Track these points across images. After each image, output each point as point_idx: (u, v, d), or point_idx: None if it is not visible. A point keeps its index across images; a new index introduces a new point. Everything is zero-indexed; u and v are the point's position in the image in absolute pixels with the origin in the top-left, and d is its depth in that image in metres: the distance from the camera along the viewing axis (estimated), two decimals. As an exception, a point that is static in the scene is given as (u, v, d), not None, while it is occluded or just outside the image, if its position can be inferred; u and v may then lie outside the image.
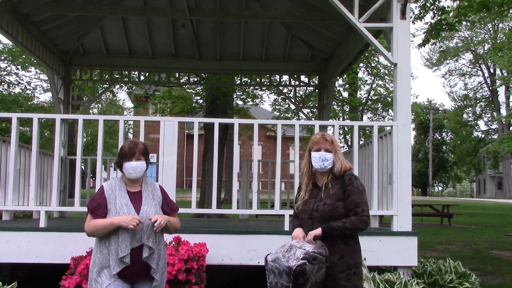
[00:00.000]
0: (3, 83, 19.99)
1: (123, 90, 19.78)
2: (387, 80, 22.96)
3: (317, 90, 10.08)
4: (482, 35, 41.34)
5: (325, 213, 3.13)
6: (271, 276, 2.99)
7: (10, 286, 4.50)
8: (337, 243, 3.09)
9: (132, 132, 33.13)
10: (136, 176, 3.22)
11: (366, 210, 3.13)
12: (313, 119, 15.52)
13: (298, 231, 3.20)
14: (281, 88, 11.43)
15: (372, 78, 23.84)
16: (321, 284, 3.00)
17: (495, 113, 44.69)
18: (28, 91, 21.02)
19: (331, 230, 3.06)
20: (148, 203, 3.22)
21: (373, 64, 22.19)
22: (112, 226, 3.07)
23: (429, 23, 10.39)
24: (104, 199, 3.17)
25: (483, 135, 47.20)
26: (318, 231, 3.07)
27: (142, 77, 10.83)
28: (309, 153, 3.28)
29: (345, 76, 18.05)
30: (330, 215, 3.11)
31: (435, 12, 10.16)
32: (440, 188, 70.53)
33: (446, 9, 10.00)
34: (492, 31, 39.72)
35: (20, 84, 20.42)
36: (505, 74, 31.90)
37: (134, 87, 21.11)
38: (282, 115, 20.97)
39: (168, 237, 4.94)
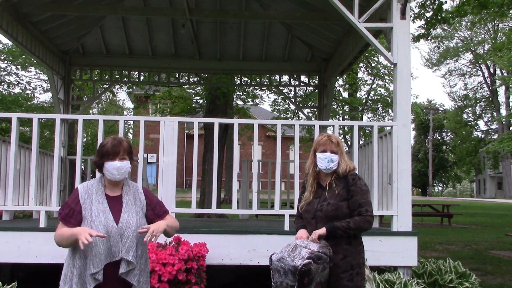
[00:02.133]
0: (3, 83, 19.98)
1: (123, 90, 19.80)
2: (387, 80, 22.95)
3: (317, 90, 10.09)
4: (482, 35, 41.33)
5: (329, 213, 3.14)
6: (276, 276, 2.99)
7: (10, 286, 4.50)
8: (341, 243, 3.11)
9: (132, 132, 33.12)
10: (120, 178, 2.80)
11: (370, 210, 3.15)
12: (313, 119, 15.53)
13: (302, 232, 3.21)
14: (281, 88, 11.42)
15: (372, 78, 23.82)
16: (325, 284, 3.01)
17: (495, 113, 44.68)
18: (28, 91, 21.00)
19: (335, 230, 3.08)
20: (129, 210, 2.79)
21: (373, 64, 22.18)
22: (72, 237, 2.63)
23: (425, 18, 10.34)
24: (78, 204, 2.73)
25: (483, 135, 47.17)
26: (322, 230, 3.08)
27: (142, 77, 10.83)
28: (314, 154, 3.29)
29: (345, 76, 18.05)
30: (334, 215, 3.13)
31: (434, 9, 10.12)
32: (440, 188, 70.52)
33: (444, 4, 9.93)
34: (492, 31, 39.71)
35: (20, 84, 20.40)
36: (505, 74, 31.90)
37: (134, 87, 21.11)
38: (281, 115, 20.96)
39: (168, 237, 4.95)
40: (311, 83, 10.24)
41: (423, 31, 10.71)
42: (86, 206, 2.72)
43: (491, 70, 43.83)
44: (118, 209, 2.77)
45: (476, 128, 48.50)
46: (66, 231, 2.69)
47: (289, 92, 11.39)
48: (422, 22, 10.41)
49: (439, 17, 9.71)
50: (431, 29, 10.59)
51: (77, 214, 2.72)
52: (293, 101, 10.53)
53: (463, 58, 46.51)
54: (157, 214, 2.91)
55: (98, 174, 2.90)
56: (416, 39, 11.06)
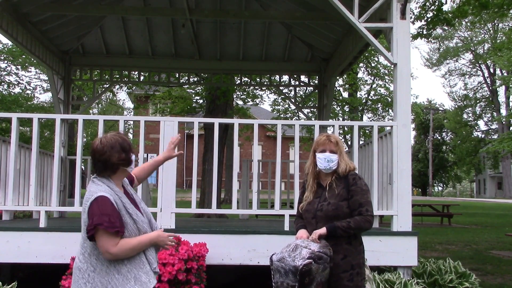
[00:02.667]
0: (3, 83, 19.99)
1: (123, 90, 19.79)
2: (387, 80, 22.95)
3: (317, 90, 10.09)
4: (482, 35, 41.33)
5: (329, 213, 3.14)
6: (276, 276, 2.99)
7: (10, 286, 4.50)
8: (341, 242, 3.11)
9: (132, 132, 33.12)
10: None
11: (370, 210, 3.15)
12: (313, 119, 15.53)
13: (302, 232, 3.21)
14: (281, 88, 11.43)
15: (372, 78, 23.82)
16: (325, 284, 3.01)
17: (495, 113, 44.67)
18: (28, 91, 21.02)
19: (335, 230, 3.08)
20: (140, 200, 2.85)
21: (373, 64, 22.18)
22: (149, 245, 2.68)
23: (426, 18, 10.31)
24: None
25: (483, 135, 47.16)
26: (323, 230, 3.08)
27: (142, 77, 10.84)
28: (313, 154, 3.29)
29: (345, 76, 18.04)
30: (334, 214, 3.13)
31: (434, 10, 10.09)
32: (440, 188, 70.52)
33: (444, 4, 9.89)
34: (492, 31, 39.72)
35: (20, 84, 20.43)
36: (505, 74, 31.89)
37: (134, 87, 21.11)
38: (281, 115, 20.95)
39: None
40: (311, 83, 10.24)
41: (421, 30, 10.67)
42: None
43: (491, 70, 43.82)
44: (134, 203, 2.76)
45: (476, 128, 48.50)
46: (139, 242, 2.63)
47: (289, 92, 11.40)
48: (423, 23, 10.36)
49: (441, 17, 9.68)
50: (432, 30, 10.56)
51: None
52: (293, 101, 10.53)
53: (463, 58, 46.56)
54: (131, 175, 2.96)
55: (102, 179, 2.67)
56: (414, 36, 10.99)
